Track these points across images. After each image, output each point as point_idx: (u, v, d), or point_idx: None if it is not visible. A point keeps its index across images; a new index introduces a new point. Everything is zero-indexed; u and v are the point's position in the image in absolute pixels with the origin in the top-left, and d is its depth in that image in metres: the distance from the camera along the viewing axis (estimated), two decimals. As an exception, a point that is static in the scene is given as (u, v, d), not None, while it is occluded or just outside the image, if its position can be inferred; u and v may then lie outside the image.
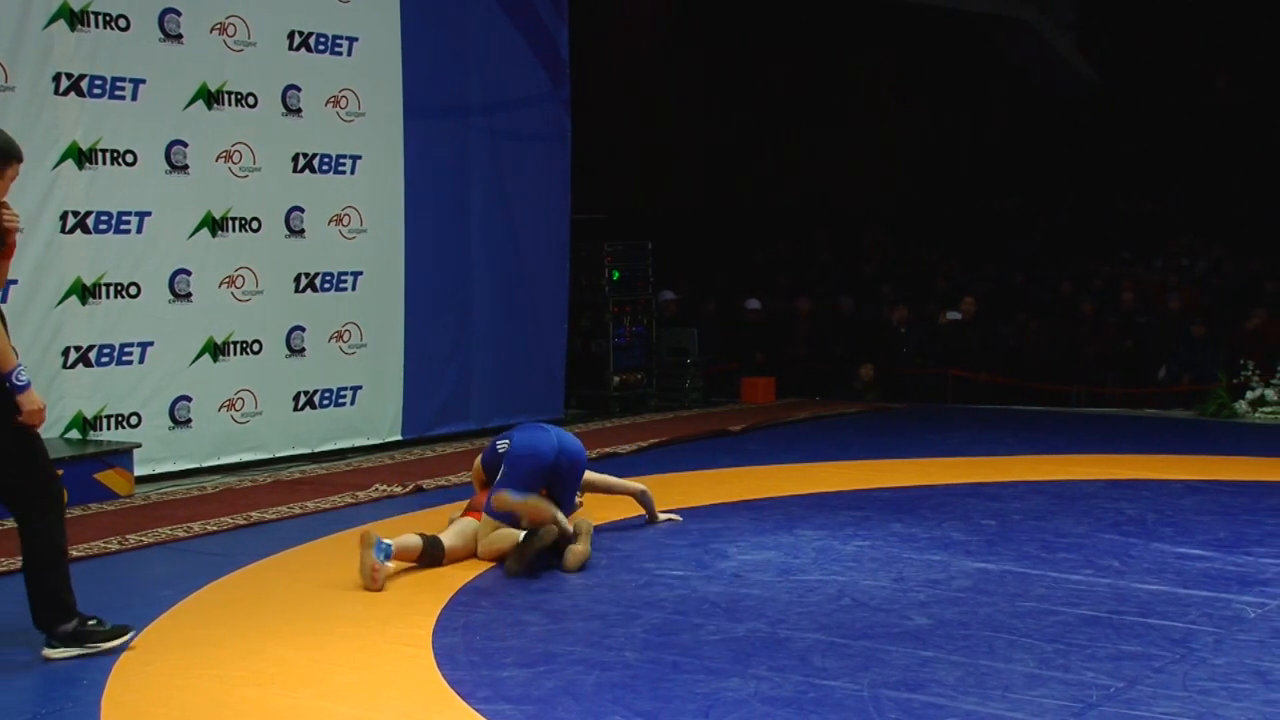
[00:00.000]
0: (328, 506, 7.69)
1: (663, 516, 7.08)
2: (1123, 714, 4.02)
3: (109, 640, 4.80)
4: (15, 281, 7.47)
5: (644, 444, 10.00)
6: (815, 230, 17.28)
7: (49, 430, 7.05)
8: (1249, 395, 12.09)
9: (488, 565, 6.11)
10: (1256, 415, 11.98)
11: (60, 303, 8.17)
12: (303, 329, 9.35)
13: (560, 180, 11.10)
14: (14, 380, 4.64)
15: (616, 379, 12.28)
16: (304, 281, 9.37)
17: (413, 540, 6.00)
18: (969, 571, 5.91)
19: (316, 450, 9.41)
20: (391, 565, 5.82)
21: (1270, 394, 11.95)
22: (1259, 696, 4.16)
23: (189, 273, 8.74)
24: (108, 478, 7.84)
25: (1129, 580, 5.69)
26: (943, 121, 17.73)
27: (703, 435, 10.68)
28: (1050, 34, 17.34)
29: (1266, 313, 13.33)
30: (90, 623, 4.79)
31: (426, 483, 8.28)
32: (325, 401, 9.50)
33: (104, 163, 8.30)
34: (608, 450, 9.66)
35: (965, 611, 5.21)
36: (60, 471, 5.14)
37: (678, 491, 8.00)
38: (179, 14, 8.58)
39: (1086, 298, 14.58)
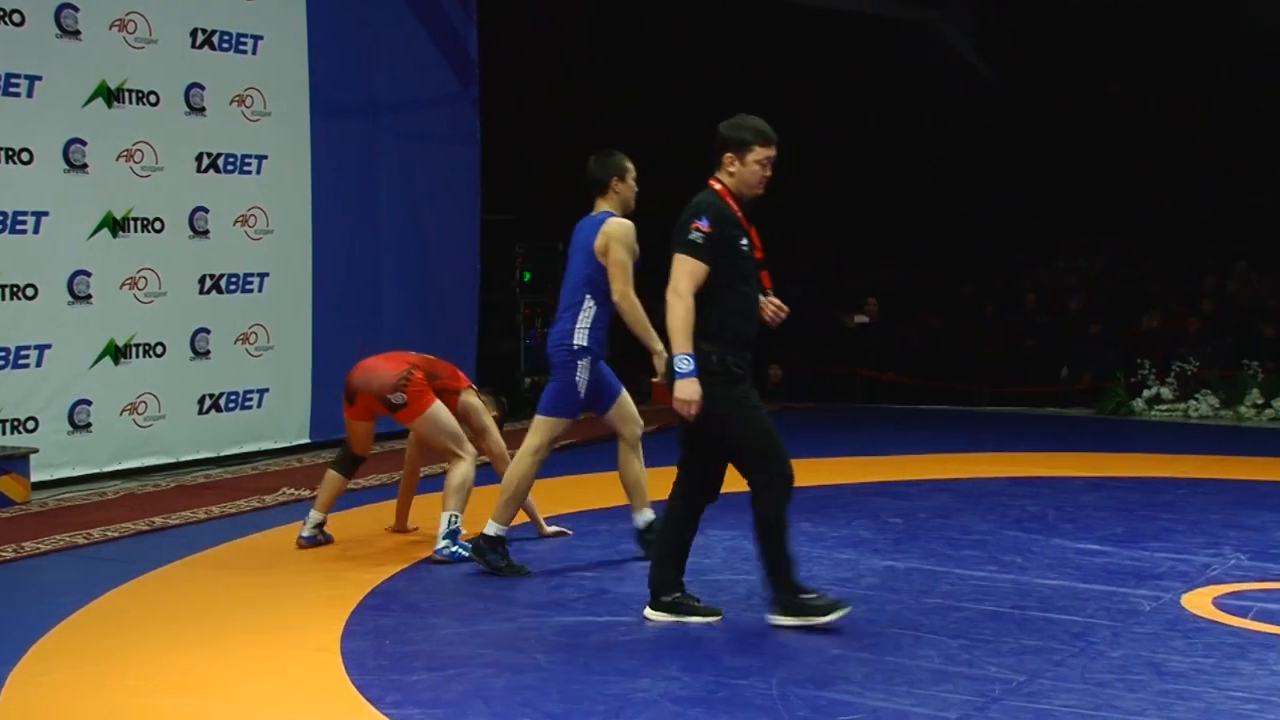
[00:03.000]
0: (233, 511, 7.58)
1: (551, 530, 6.80)
2: (1024, 707, 4.11)
3: None
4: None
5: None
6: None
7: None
8: (1145, 394, 12.41)
9: (398, 567, 6.06)
10: (1152, 413, 12.30)
11: (-46, 304, 7.96)
12: (208, 331, 9.20)
13: (470, 181, 11.05)
14: None
15: (527, 380, 12.25)
16: (209, 283, 9.23)
17: (329, 485, 6.47)
18: (877, 569, 5.99)
19: (222, 454, 9.27)
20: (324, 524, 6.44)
21: (1165, 392, 12.28)
22: (1153, 687, 4.27)
23: (89, 274, 8.55)
24: (3, 484, 7.65)
25: (1031, 576, 5.81)
26: (850, 125, 17.94)
27: (610, 436, 10.67)
28: (953, 37, 17.63)
29: (1161, 312, 13.69)
30: None
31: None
32: (231, 404, 9.36)
33: (-1, 161, 8.11)
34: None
35: (873, 609, 5.28)
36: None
37: (588, 492, 8.01)
38: (76, 10, 8.40)
39: (989, 298, 14.86)
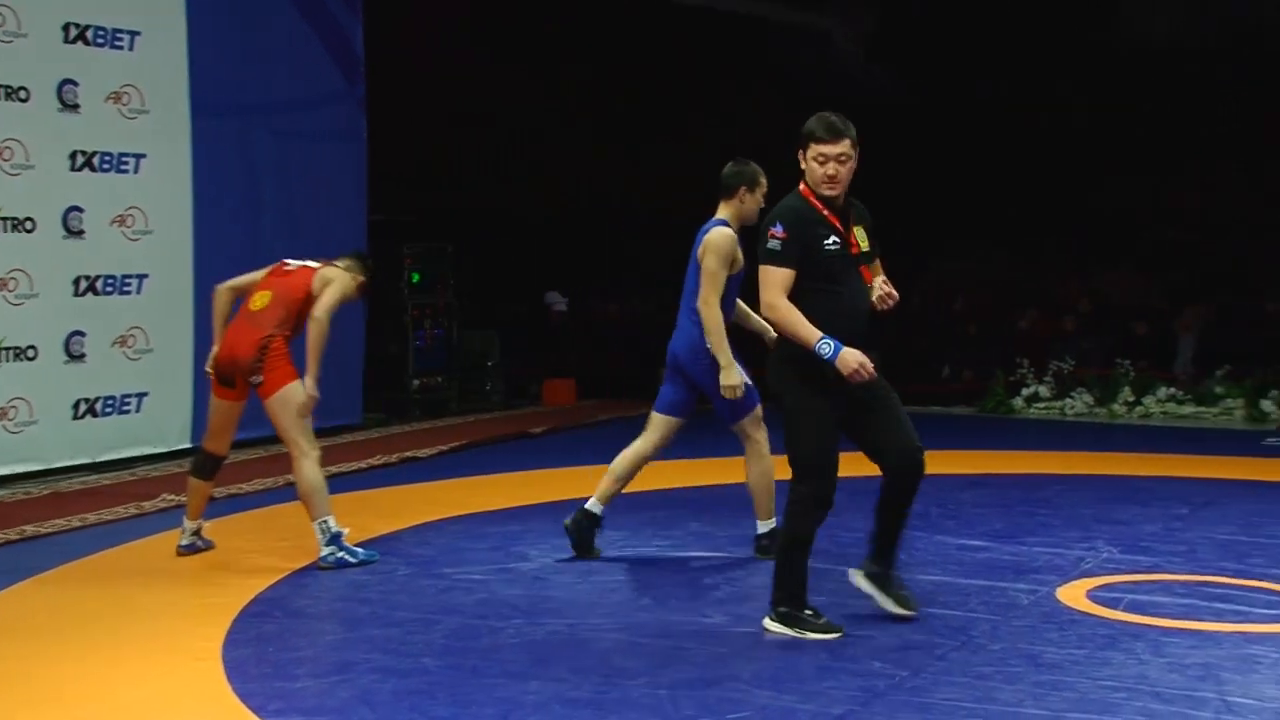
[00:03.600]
0: (110, 518, 7.38)
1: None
2: (907, 701, 4.18)
3: None
4: None
5: (445, 447, 9.92)
6: (623, 232, 17.42)
7: None
8: (1024, 392, 12.73)
9: (281, 574, 5.96)
10: (1031, 411, 12.61)
11: None
12: (83, 334, 8.94)
13: (356, 181, 10.91)
14: None
15: (416, 382, 12.15)
16: (84, 284, 8.97)
17: (194, 492, 6.37)
18: (765, 568, 6.02)
19: (99, 460, 9.02)
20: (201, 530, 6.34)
21: (1043, 390, 12.60)
22: (1030, 679, 4.38)
23: (-43, 275, 8.28)
24: None
25: (914, 572, 5.91)
26: (743, 130, 18.08)
27: (504, 438, 10.66)
28: (841, 41, 17.87)
29: (1038, 312, 14.04)
30: None
31: (218, 491, 8.02)
32: (108, 409, 9.12)
33: None
34: (408, 454, 9.55)
35: (760, 608, 5.31)
36: None
37: (479, 494, 7.97)
38: (-58, 2, 8.13)
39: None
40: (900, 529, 5.15)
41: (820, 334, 4.76)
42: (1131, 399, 12.09)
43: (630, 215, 17.18)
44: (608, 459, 9.48)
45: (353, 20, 10.79)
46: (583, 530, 6.23)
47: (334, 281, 6.21)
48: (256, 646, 4.88)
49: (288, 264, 6.43)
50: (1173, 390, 12.07)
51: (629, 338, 14.62)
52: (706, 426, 11.44)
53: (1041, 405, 12.52)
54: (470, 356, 12.79)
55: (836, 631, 4.92)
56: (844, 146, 4.87)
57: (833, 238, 4.88)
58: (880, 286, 4.95)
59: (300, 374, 6.10)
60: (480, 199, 15.85)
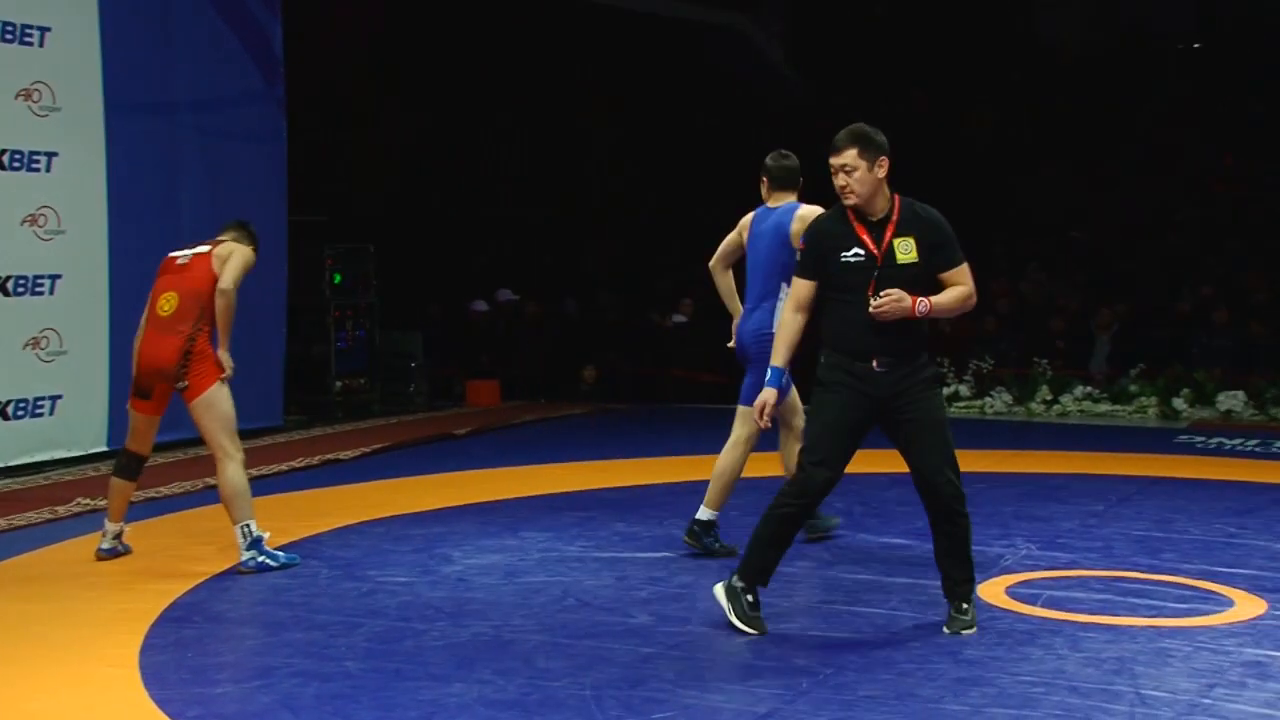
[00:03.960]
0: (23, 524, 7.22)
1: None
2: (830, 698, 4.22)
3: None
4: None
5: (368, 449, 9.83)
6: (536, 233, 17.39)
7: None
8: (945, 391, 12.88)
9: (201, 578, 5.87)
10: (951, 410, 12.76)
11: None
12: (-6, 335, 8.74)
13: (276, 181, 10.76)
14: None
15: (338, 384, 12.03)
16: (-5, 285, 8.78)
17: (116, 492, 6.27)
18: (689, 568, 6.06)
19: (10, 464, 8.81)
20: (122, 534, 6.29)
21: (964, 390, 12.77)
22: (951, 675, 4.43)
23: None
24: None
25: (838, 570, 5.97)
26: (660, 128, 18.11)
27: (427, 439, 10.58)
28: (762, 43, 17.97)
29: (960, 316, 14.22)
30: None
31: (135, 494, 7.87)
32: (20, 412, 8.91)
33: None
34: (329, 456, 9.45)
35: (685, 607, 5.35)
36: None
37: (402, 496, 7.91)
38: None
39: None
40: (946, 554, 5.04)
41: (783, 357, 5.08)
42: (1049, 398, 12.29)
43: (556, 216, 17.16)
44: (532, 460, 9.52)
45: (271, 20, 10.64)
46: (703, 540, 6.27)
47: (234, 254, 6.20)
48: (175, 652, 4.80)
49: (176, 258, 6.33)
50: (1089, 389, 12.29)
51: (553, 338, 14.61)
52: (620, 428, 11.48)
53: (962, 404, 12.69)
54: (393, 357, 12.68)
55: (756, 631, 4.94)
56: (847, 158, 4.90)
57: (856, 249, 4.92)
58: (877, 298, 4.85)
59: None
60: (402, 200, 15.74)
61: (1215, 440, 10.65)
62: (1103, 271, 14.67)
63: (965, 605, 5.00)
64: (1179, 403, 12.05)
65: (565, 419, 12.09)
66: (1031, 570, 5.93)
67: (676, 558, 6.25)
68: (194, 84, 10.05)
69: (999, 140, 16.75)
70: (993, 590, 5.55)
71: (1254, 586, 5.56)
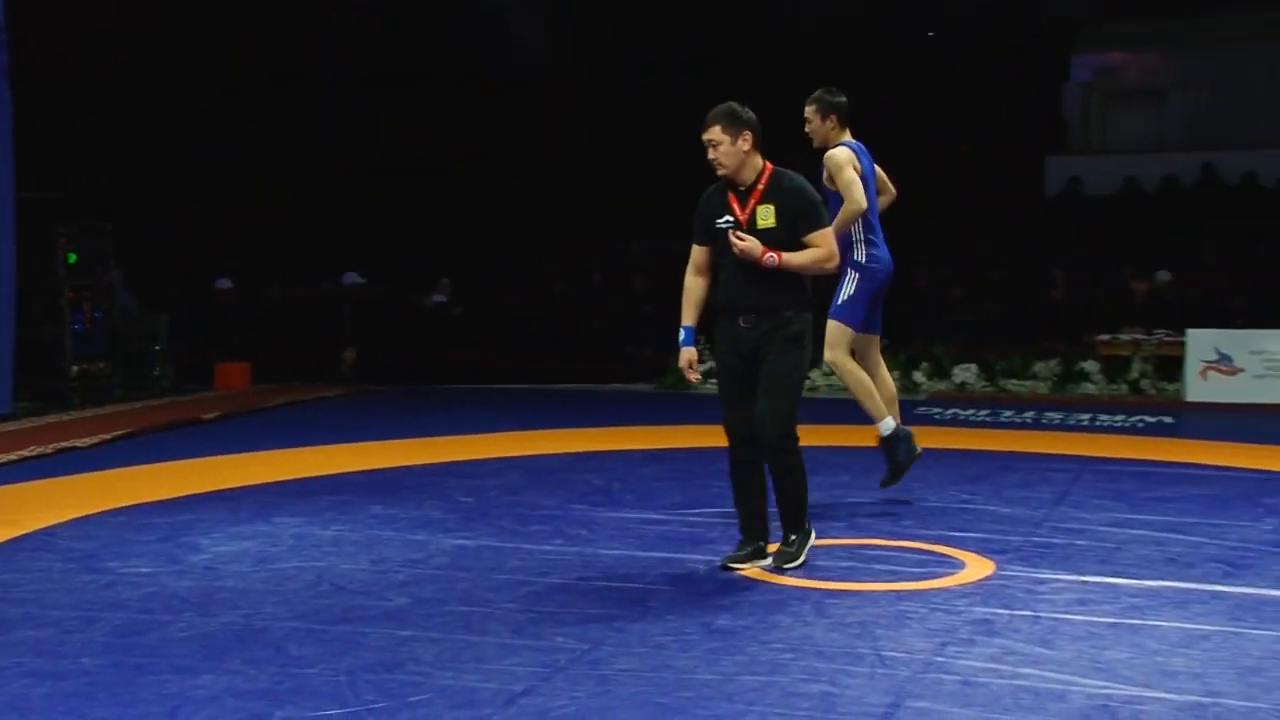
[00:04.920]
0: None
1: None
2: (587, 674, 4.26)
3: None
4: None
5: (108, 436, 9.39)
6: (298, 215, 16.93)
7: None
8: (701, 368, 13.15)
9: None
10: (708, 385, 13.04)
11: None
12: None
13: (1, 155, 10.11)
14: None
15: (75, 368, 11.43)
16: None
17: None
18: (447, 549, 6.02)
19: None
20: None
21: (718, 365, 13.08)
22: (704, 645, 4.53)
23: None
24: None
25: (596, 547, 6.02)
26: (419, 112, 17.86)
27: (173, 424, 10.19)
28: (518, 21, 17.92)
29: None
30: None
31: None
32: None
33: None
34: (65, 444, 8.98)
35: (443, 588, 5.31)
36: None
37: (145, 484, 7.58)
38: None
39: (561, 280, 15.27)
40: (777, 493, 5.58)
41: (690, 317, 5.61)
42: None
43: (302, 198, 16.73)
44: (285, 443, 9.27)
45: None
46: (899, 451, 6.89)
47: None
48: (-111, 657, 4.47)
49: None
50: (834, 365, 12.75)
51: (305, 321, 14.26)
52: (378, 410, 11.29)
53: (716, 379, 12.97)
54: (136, 340, 12.13)
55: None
56: (713, 134, 5.37)
57: (726, 216, 5.43)
58: (736, 240, 5.34)
59: None
60: (142, 177, 15.07)
61: (951, 411, 11.25)
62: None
63: (792, 537, 5.58)
64: (919, 376, 12.64)
65: (320, 402, 11.83)
66: (779, 541, 6.11)
67: (434, 538, 6.19)
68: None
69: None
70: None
71: (983, 549, 5.89)
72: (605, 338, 14.15)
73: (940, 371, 12.68)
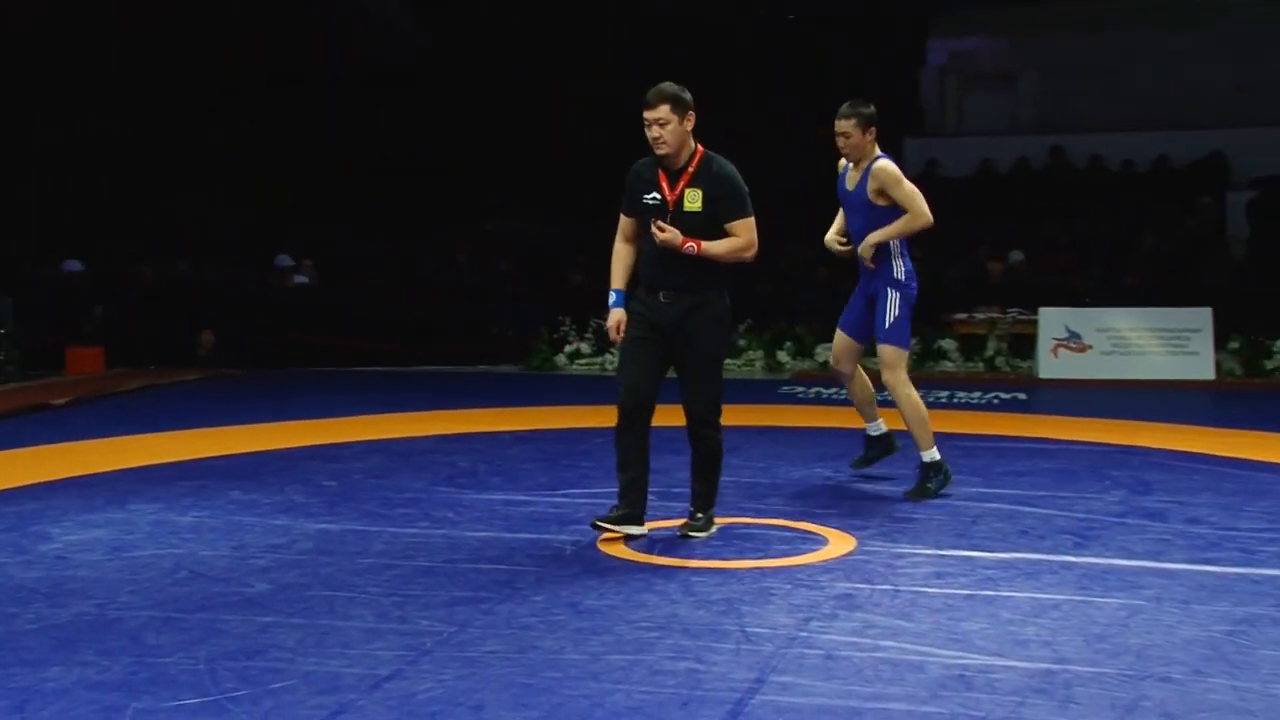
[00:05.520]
0: None
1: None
2: (453, 656, 4.23)
3: None
4: None
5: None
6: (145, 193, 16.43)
7: None
8: (567, 349, 13.17)
9: None
10: (574, 367, 13.07)
11: None
12: None
13: None
14: None
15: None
16: None
17: None
18: (310, 534, 5.92)
19: None
20: None
21: (585, 347, 13.10)
22: (571, 626, 4.54)
23: None
24: None
25: (462, 529, 5.99)
26: (285, 94, 17.47)
27: (20, 411, 9.83)
28: (380, 4, 17.65)
29: (583, 273, 14.55)
30: None
31: None
32: None
33: None
34: (-96, 433, 8.61)
35: (306, 573, 5.22)
36: None
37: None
38: None
39: (426, 261, 15.12)
40: (693, 469, 5.85)
41: (619, 280, 5.70)
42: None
43: (159, 173, 16.27)
44: (140, 429, 9.01)
45: None
46: (930, 479, 6.66)
47: None
48: None
49: None
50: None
51: (164, 301, 13.88)
52: (236, 393, 11.05)
53: (584, 361, 13.00)
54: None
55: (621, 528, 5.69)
56: (660, 112, 5.42)
57: (654, 194, 5.56)
58: (657, 232, 5.47)
59: None
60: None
61: (814, 390, 11.44)
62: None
63: (699, 515, 5.80)
64: (783, 355, 12.82)
65: (176, 386, 11.54)
66: (649, 520, 6.15)
67: (296, 523, 6.09)
68: None
69: (611, 106, 17.23)
70: (613, 542, 5.72)
71: (845, 525, 6.01)
72: (471, 319, 14.06)
73: (804, 351, 12.88)
